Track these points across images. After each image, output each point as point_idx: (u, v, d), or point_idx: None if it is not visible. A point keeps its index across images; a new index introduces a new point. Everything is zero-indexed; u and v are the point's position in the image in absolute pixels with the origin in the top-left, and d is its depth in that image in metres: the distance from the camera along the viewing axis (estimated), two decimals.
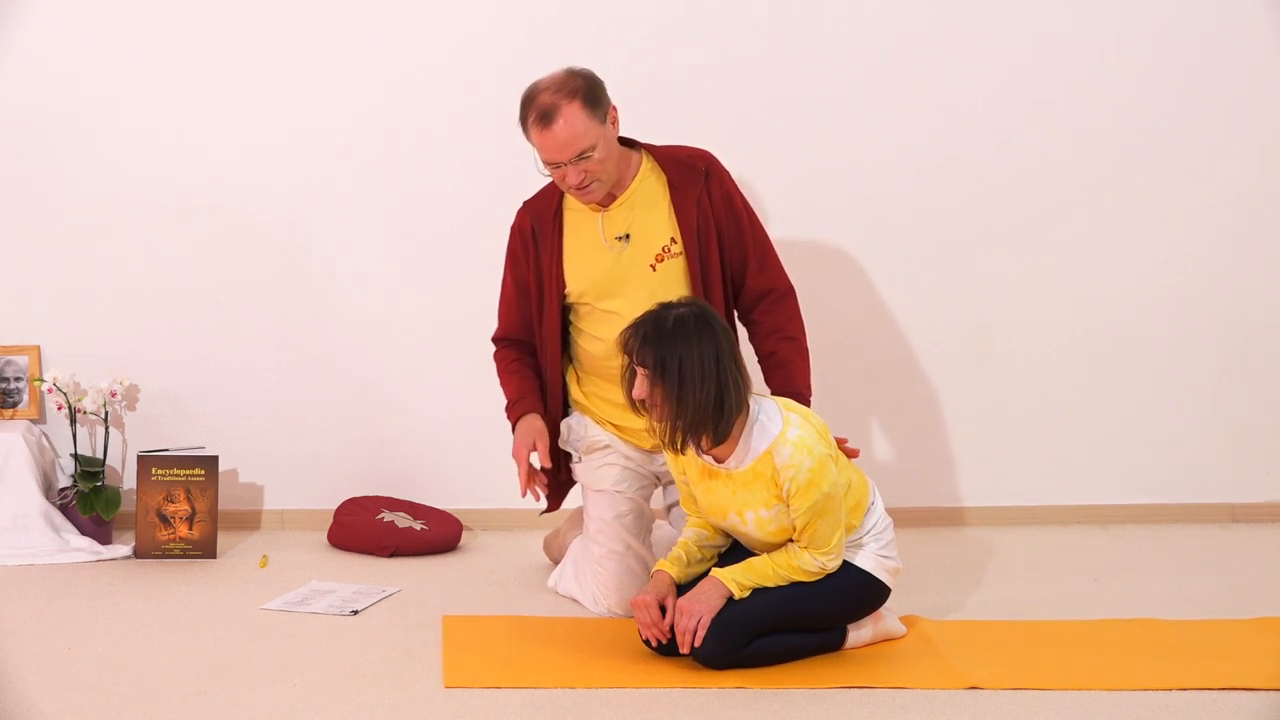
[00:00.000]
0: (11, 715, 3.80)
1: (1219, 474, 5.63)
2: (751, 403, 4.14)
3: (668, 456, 4.24)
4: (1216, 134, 5.52)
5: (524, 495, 4.58)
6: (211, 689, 3.98)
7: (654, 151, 4.59)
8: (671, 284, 4.52)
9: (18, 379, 5.29)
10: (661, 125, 5.21)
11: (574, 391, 4.67)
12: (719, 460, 4.16)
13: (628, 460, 4.63)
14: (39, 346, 5.31)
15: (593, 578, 4.61)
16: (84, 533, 5.11)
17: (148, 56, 5.25)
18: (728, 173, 4.61)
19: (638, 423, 4.50)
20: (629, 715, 3.87)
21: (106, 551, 5.06)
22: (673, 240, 4.53)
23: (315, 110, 5.32)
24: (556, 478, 4.69)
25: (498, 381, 4.71)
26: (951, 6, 5.42)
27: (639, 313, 4.28)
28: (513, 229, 4.65)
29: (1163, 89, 5.50)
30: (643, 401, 4.10)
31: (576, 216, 4.57)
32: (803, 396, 4.55)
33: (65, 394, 5.16)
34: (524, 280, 4.64)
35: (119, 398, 5.22)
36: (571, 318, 4.63)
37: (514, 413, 4.63)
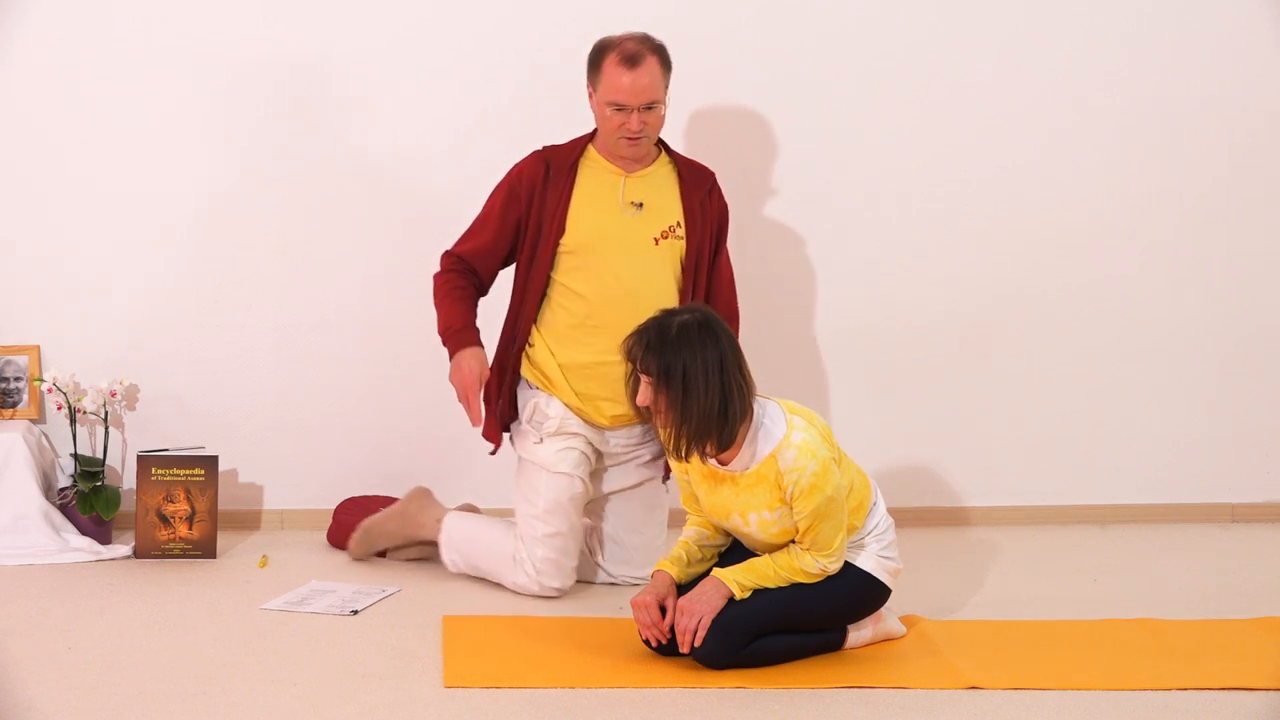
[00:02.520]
0: (11, 715, 3.80)
1: (1219, 474, 5.64)
2: (755, 406, 4.13)
3: (671, 457, 4.24)
4: (1216, 135, 5.52)
5: (478, 424, 4.70)
6: (211, 689, 3.98)
7: (669, 149, 4.80)
8: (668, 262, 4.70)
9: (18, 379, 5.29)
10: (678, 113, 5.24)
11: (543, 359, 4.72)
12: (723, 463, 4.16)
13: (587, 445, 4.73)
14: (39, 346, 5.30)
15: (531, 555, 4.69)
16: (84, 533, 5.10)
17: (146, 56, 5.25)
18: (724, 198, 4.84)
19: (605, 391, 4.66)
20: (629, 715, 3.87)
21: (106, 551, 5.05)
22: (678, 223, 4.72)
23: (316, 110, 5.31)
24: (495, 413, 4.80)
25: (434, 293, 4.77)
26: (954, 5, 5.42)
27: (631, 276, 4.50)
28: (519, 168, 4.74)
29: (1163, 91, 5.50)
30: (647, 408, 4.10)
31: (593, 174, 4.71)
32: None
33: (65, 394, 5.16)
34: (512, 219, 4.71)
35: (119, 398, 5.22)
36: (554, 274, 4.70)
37: (459, 340, 4.71)
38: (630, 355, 4.10)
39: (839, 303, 5.49)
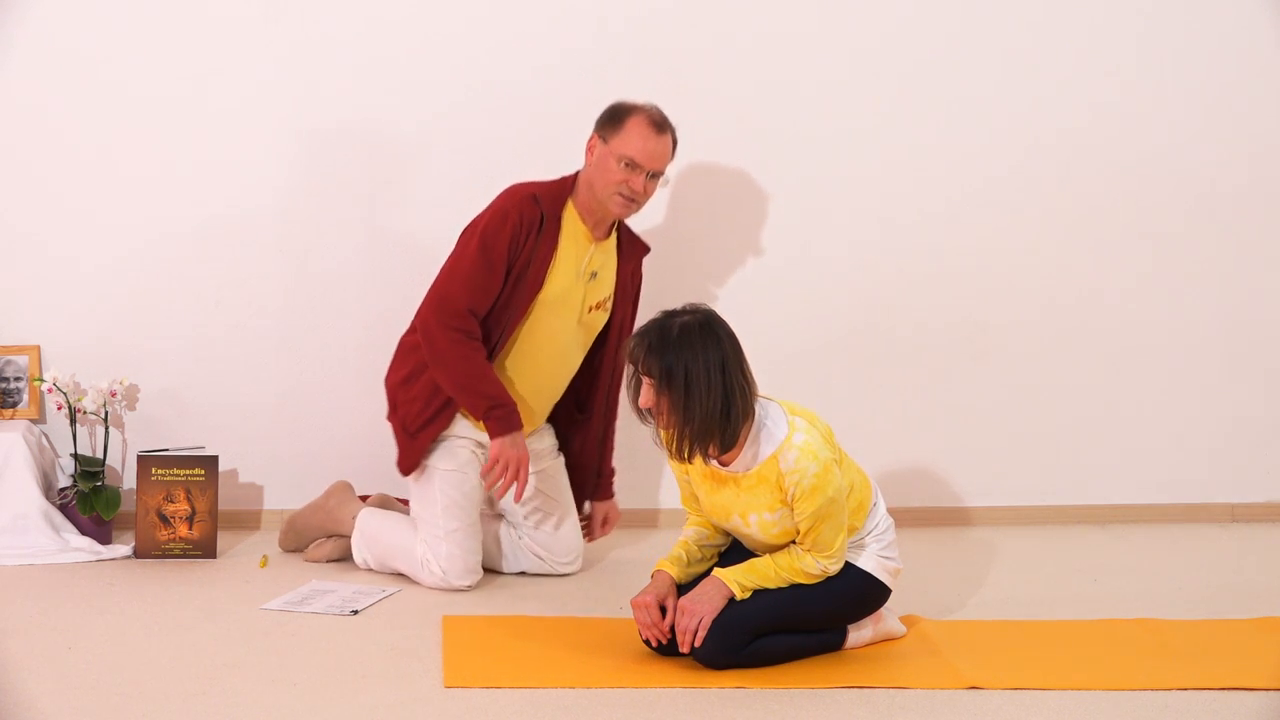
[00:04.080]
0: (11, 715, 3.80)
1: (1219, 474, 5.64)
2: (757, 407, 4.13)
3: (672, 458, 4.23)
4: (1216, 135, 5.53)
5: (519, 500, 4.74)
6: (211, 689, 3.98)
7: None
8: (589, 331, 4.81)
9: (18, 379, 5.29)
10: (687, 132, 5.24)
11: None
12: (724, 464, 4.16)
13: (476, 446, 4.80)
14: (39, 346, 5.30)
15: (435, 554, 4.74)
16: (84, 533, 5.10)
17: (149, 57, 5.25)
18: (641, 273, 4.90)
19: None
20: (629, 715, 3.87)
21: (106, 551, 5.05)
22: (608, 298, 4.80)
23: (315, 110, 5.31)
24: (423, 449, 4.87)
25: (460, 362, 4.63)
26: (962, 6, 5.42)
27: (565, 338, 4.67)
28: (519, 210, 4.65)
29: (1163, 90, 5.50)
30: (649, 410, 4.09)
31: (572, 233, 4.73)
32: (609, 475, 5.02)
33: (65, 394, 5.16)
34: (505, 263, 4.66)
35: (119, 398, 5.22)
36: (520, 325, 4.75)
37: (516, 421, 4.66)
38: (632, 357, 4.09)
39: (840, 303, 5.49)
